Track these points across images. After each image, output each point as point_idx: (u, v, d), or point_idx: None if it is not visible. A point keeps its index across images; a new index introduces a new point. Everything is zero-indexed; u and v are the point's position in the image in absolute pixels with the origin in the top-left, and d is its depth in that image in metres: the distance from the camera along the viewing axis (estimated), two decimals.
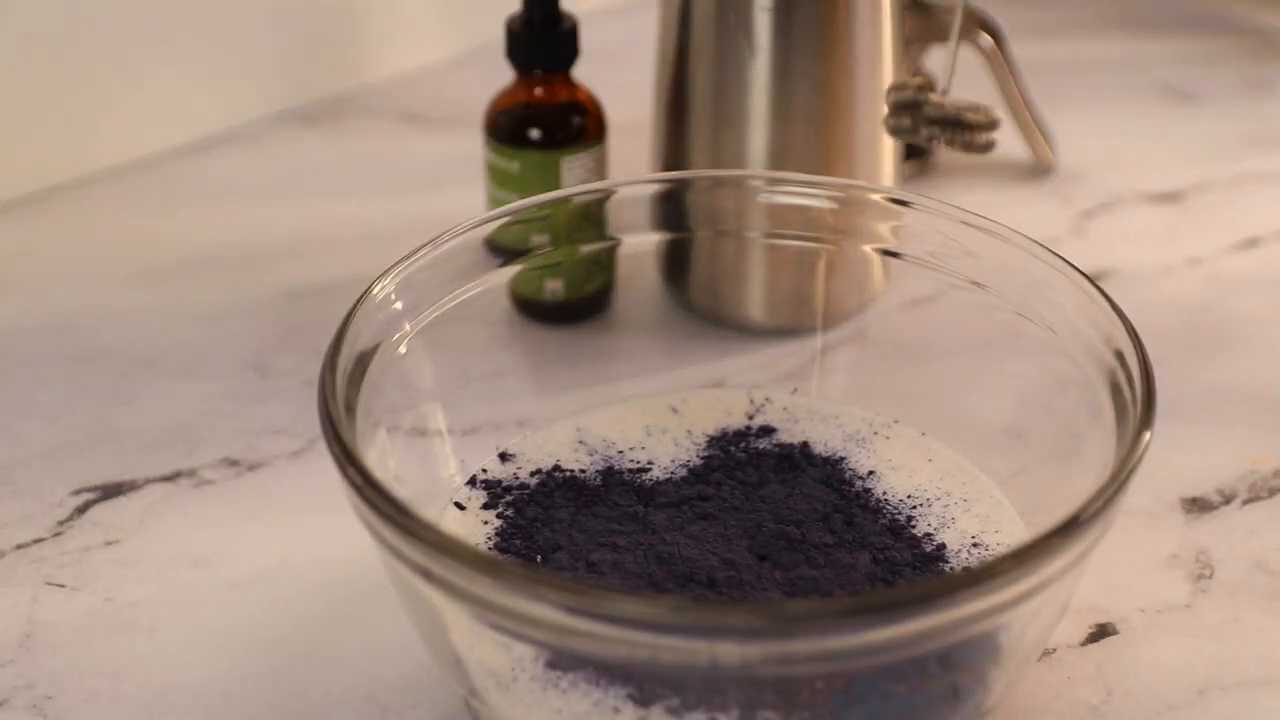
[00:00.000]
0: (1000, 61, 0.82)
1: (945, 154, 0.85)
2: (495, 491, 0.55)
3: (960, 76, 0.87)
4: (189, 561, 0.59)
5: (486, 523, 0.54)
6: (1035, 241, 0.55)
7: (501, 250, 0.58)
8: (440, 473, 0.56)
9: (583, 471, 0.56)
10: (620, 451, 0.57)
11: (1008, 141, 0.85)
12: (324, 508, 0.58)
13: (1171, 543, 0.60)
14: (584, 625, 0.42)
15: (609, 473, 0.56)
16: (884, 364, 0.60)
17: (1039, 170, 0.85)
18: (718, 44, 0.68)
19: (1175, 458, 0.63)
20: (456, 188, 0.80)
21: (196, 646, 0.55)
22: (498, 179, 0.70)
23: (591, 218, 0.60)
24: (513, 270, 0.59)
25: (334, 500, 0.49)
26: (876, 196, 0.59)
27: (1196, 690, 0.53)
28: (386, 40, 0.93)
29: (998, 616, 0.44)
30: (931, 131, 0.64)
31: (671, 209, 0.61)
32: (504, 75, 0.71)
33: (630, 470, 0.56)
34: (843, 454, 0.57)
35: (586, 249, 0.61)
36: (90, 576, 0.58)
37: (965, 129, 0.63)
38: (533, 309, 0.68)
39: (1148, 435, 0.47)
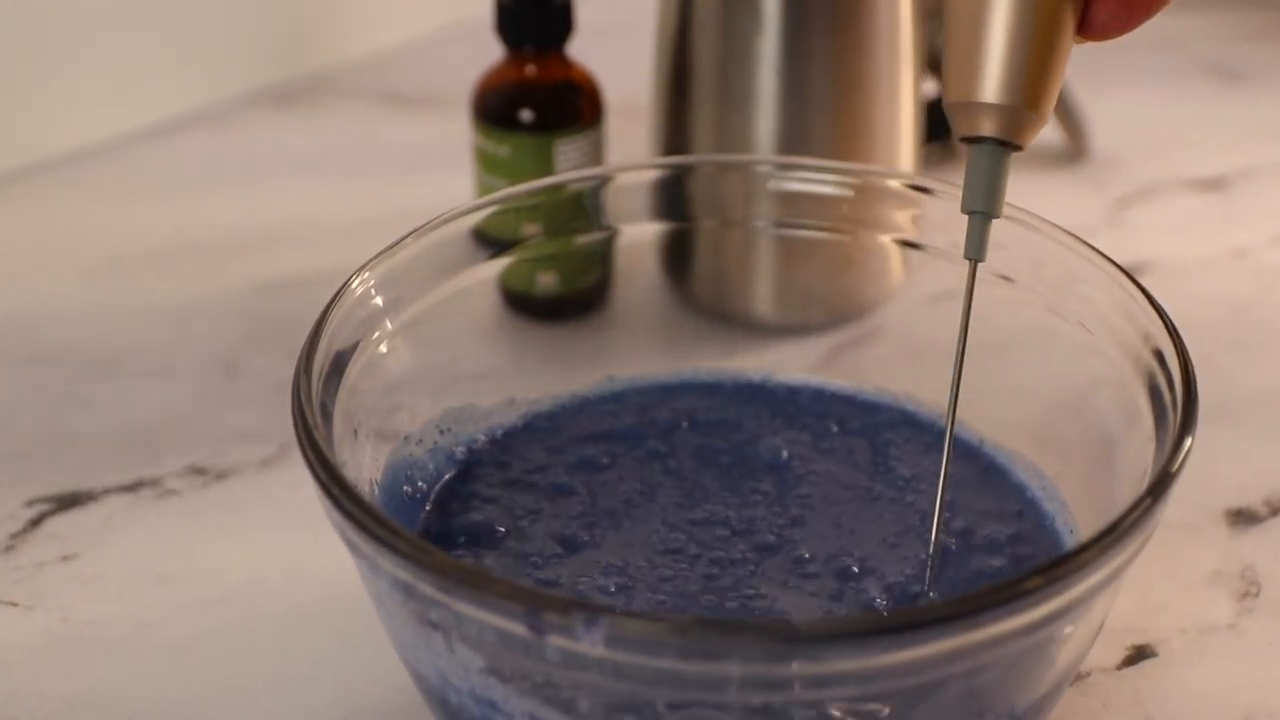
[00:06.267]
0: None
1: None
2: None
3: None
4: (152, 577, 0.59)
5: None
6: (1067, 232, 0.55)
7: (490, 241, 0.58)
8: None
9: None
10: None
11: None
12: (298, 519, 0.58)
13: (1215, 558, 0.60)
14: (575, 646, 0.42)
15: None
16: (902, 363, 0.60)
17: (1071, 155, 0.85)
18: (723, 17, 0.68)
19: (1219, 466, 0.63)
20: (442, 174, 0.80)
21: (161, 669, 0.55)
22: (486, 164, 0.71)
23: (587, 206, 0.60)
24: (503, 262, 0.59)
25: (309, 511, 0.50)
26: (895, 183, 0.59)
27: (1242, 717, 0.53)
28: (366, 15, 0.93)
29: (1027, 638, 0.44)
30: None
31: (673, 196, 0.61)
32: (493, 52, 0.71)
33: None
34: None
35: (582, 240, 0.61)
36: (45, 594, 0.58)
37: None
38: (524, 304, 0.68)
39: (1189, 441, 0.47)
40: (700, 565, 0.53)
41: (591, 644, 0.42)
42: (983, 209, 0.49)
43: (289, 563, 0.59)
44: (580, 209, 0.60)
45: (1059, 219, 0.56)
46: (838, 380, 0.61)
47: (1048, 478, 0.56)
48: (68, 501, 0.62)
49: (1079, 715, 0.53)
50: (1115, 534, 0.44)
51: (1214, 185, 0.83)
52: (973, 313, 0.51)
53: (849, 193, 0.60)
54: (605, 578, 0.52)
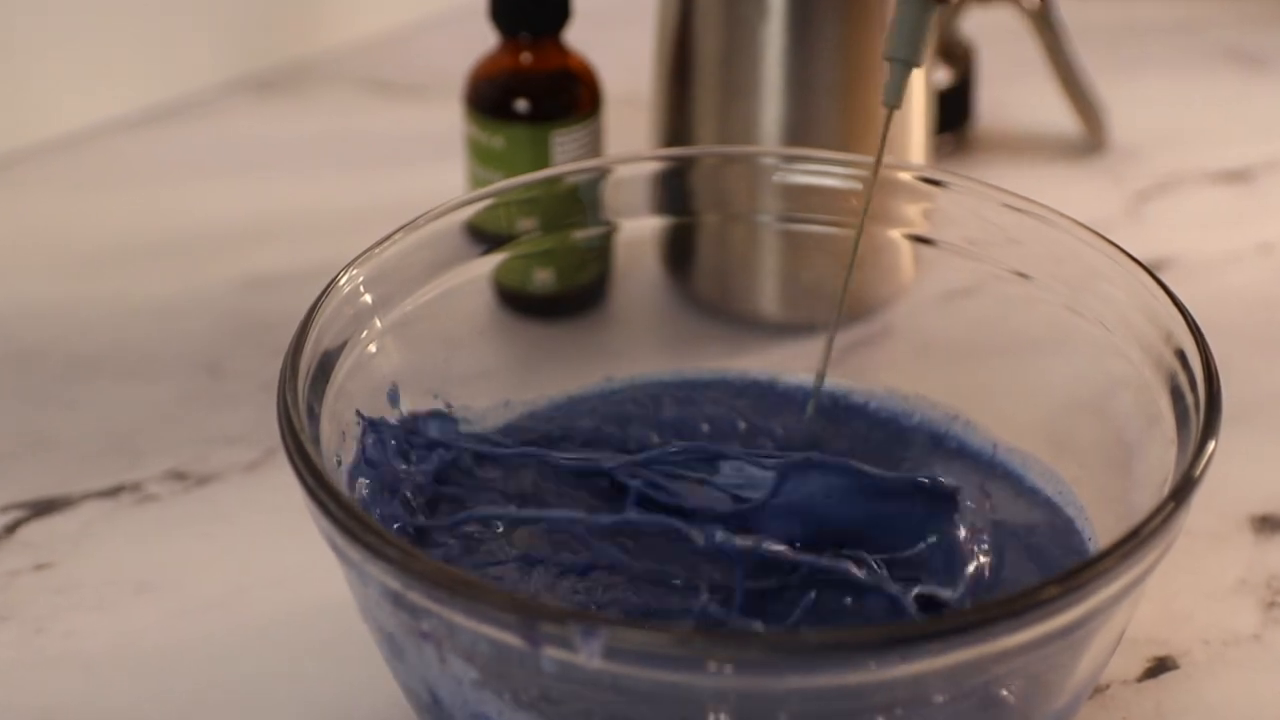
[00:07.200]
0: (1046, 23, 0.82)
1: (984, 129, 0.85)
2: None
3: (1003, 40, 0.87)
4: (132, 587, 0.59)
5: None
6: (1085, 226, 0.55)
7: (484, 236, 0.58)
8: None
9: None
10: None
11: (1055, 114, 0.85)
12: (284, 525, 0.58)
13: (1239, 566, 0.60)
14: (572, 657, 0.42)
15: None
16: (913, 364, 0.60)
17: (1090, 146, 0.85)
18: (727, 3, 0.68)
19: (1244, 470, 0.63)
20: (433, 165, 0.80)
21: (141, 681, 0.55)
22: (480, 156, 0.70)
23: (585, 200, 0.60)
24: (497, 259, 0.59)
25: (295, 517, 0.49)
26: (906, 176, 0.59)
27: None
28: None
29: (1043, 649, 0.44)
30: None
31: (674, 190, 0.61)
32: (487, 39, 0.71)
33: None
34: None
35: (579, 235, 0.61)
36: (20, 604, 0.58)
37: None
38: (520, 302, 0.68)
39: (1212, 445, 0.47)
40: None
41: (589, 655, 0.42)
42: (905, 57, 0.55)
43: (274, 571, 0.59)
44: (578, 203, 0.60)
45: (1076, 213, 0.56)
46: (846, 382, 0.61)
47: (1065, 482, 0.56)
48: (43, 508, 0.62)
49: None
50: (1135, 541, 0.44)
51: (1237, 177, 0.83)
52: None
53: (857, 186, 0.60)
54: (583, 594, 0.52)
